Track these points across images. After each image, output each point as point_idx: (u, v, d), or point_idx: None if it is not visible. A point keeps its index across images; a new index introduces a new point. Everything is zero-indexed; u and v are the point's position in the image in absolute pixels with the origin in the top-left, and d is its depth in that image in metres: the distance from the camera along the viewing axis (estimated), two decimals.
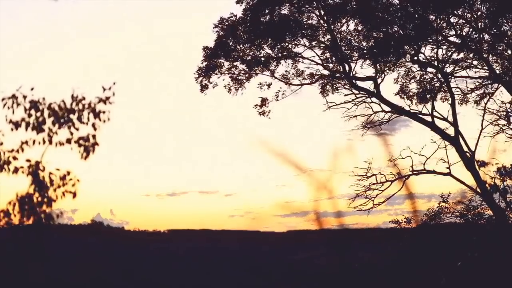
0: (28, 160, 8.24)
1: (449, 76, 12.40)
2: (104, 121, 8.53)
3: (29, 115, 8.24)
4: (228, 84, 13.66)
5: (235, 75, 13.45)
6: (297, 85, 13.33)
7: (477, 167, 11.57)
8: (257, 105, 13.31)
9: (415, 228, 6.97)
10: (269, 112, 13.31)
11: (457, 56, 12.36)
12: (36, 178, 8.23)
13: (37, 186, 8.20)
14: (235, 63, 13.48)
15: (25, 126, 8.18)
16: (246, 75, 13.55)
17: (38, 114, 8.29)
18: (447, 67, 12.57)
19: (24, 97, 8.21)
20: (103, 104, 8.52)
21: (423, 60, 12.66)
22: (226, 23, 13.09)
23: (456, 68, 12.59)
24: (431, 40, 11.99)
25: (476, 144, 12.00)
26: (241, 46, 13.34)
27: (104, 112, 8.46)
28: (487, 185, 8.16)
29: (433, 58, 12.61)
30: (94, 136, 8.41)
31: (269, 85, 12.86)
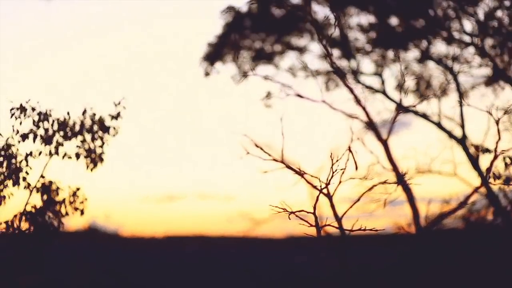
0: (42, 177, 8.12)
1: (457, 74, 12.25)
2: (114, 135, 8.43)
3: (38, 127, 8.10)
4: (234, 76, 13.55)
5: (240, 66, 13.36)
6: (303, 77, 13.15)
7: (482, 167, 11.46)
8: (263, 98, 13.13)
9: (417, 231, 6.67)
10: (273, 106, 13.11)
11: (463, 52, 12.21)
12: (48, 194, 8.13)
13: (48, 202, 8.11)
14: (240, 52, 13.37)
15: (33, 138, 8.04)
16: (252, 65, 13.43)
17: (47, 126, 8.17)
18: (455, 64, 12.42)
19: (33, 109, 8.09)
20: (114, 119, 8.43)
21: (432, 56, 12.50)
22: (233, 12, 12.95)
23: (462, 66, 12.44)
24: (440, 36, 11.84)
25: (483, 145, 11.82)
26: (247, 37, 13.25)
27: (114, 128, 8.37)
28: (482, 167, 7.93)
29: (440, 55, 12.46)
30: (101, 149, 8.30)
31: (273, 79, 12.65)
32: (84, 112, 8.30)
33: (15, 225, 7.99)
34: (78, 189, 8.29)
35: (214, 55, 13.56)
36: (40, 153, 8.17)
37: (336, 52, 13.63)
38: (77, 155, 8.22)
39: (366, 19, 13.07)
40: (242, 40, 13.45)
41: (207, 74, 13.69)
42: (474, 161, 11.81)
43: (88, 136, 8.29)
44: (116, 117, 8.35)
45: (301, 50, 13.77)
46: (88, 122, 8.36)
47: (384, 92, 13.24)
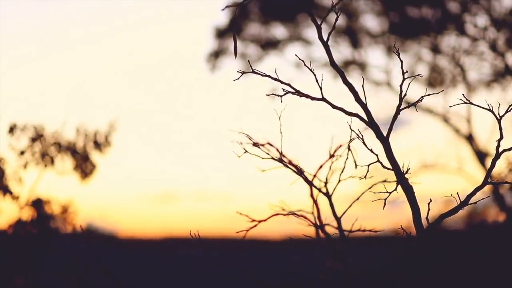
0: (33, 191, 8.15)
1: (466, 68, 12.12)
2: (106, 151, 8.49)
3: (33, 143, 8.15)
4: (236, 71, 13.50)
5: (245, 58, 13.30)
6: (304, 73, 13.06)
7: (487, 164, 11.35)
8: (262, 96, 13.09)
9: (418, 232, 6.58)
10: (272, 103, 13.03)
11: (473, 47, 12.08)
12: (39, 210, 8.15)
13: (39, 217, 8.12)
14: (245, 43, 13.30)
15: (31, 153, 8.09)
16: (257, 56, 13.37)
17: (42, 142, 8.21)
18: (464, 59, 12.29)
19: (32, 127, 8.13)
20: (106, 137, 8.52)
21: (440, 49, 12.38)
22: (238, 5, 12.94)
23: (472, 60, 12.31)
24: (450, 29, 11.72)
25: (486, 148, 11.73)
26: (252, 26, 13.20)
27: (107, 144, 8.43)
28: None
29: (450, 48, 12.33)
30: (93, 164, 8.36)
31: (272, 76, 12.72)
32: (77, 131, 8.45)
33: (10, 231, 8.00)
34: (69, 204, 8.38)
35: (218, 49, 13.52)
36: (35, 165, 8.25)
37: (339, 45, 13.55)
38: (72, 166, 8.32)
39: (374, 9, 12.95)
40: (246, 34, 13.41)
41: (212, 68, 13.63)
42: (480, 159, 11.71)
43: (79, 154, 8.43)
44: (107, 136, 8.51)
45: (311, 40, 13.69)
46: (80, 142, 8.50)
47: (389, 85, 13.14)
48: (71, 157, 8.49)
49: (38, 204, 8.29)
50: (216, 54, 13.63)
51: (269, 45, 13.49)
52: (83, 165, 8.47)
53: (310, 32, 13.48)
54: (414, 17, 12.52)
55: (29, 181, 8.28)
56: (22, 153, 8.24)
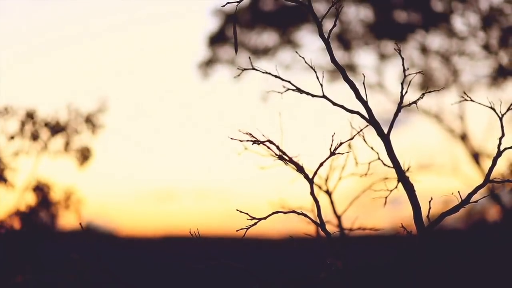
0: (33, 176, 8.10)
1: (460, 68, 12.15)
2: (99, 131, 8.43)
3: (23, 126, 8.11)
4: (232, 72, 13.47)
5: (237, 64, 13.30)
6: (303, 71, 13.08)
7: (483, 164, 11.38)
8: (262, 93, 13.08)
9: (418, 230, 6.56)
10: (271, 101, 13.05)
11: (466, 47, 12.10)
12: (41, 195, 8.09)
13: (41, 203, 8.07)
14: (238, 48, 13.32)
15: (21, 137, 8.04)
16: (251, 59, 13.40)
17: (32, 125, 8.16)
18: (458, 59, 12.32)
19: (21, 110, 8.09)
20: (98, 115, 8.46)
21: (434, 50, 12.39)
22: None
23: (465, 60, 12.34)
24: (438, 29, 11.76)
25: (484, 147, 11.74)
26: (244, 32, 13.19)
27: (99, 124, 8.38)
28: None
29: (444, 49, 12.35)
30: (88, 148, 8.31)
31: (272, 73, 12.73)
32: (67, 108, 8.38)
33: (8, 225, 7.95)
34: (73, 190, 8.29)
35: (211, 56, 13.52)
36: (28, 151, 8.19)
37: (337, 46, 13.55)
38: (66, 148, 8.24)
39: (368, 11, 12.99)
40: (240, 35, 13.40)
41: (205, 75, 13.63)
42: (475, 158, 11.73)
43: (72, 132, 8.37)
44: (97, 116, 8.43)
45: (301, 44, 13.72)
46: (72, 119, 8.42)
47: (385, 87, 13.17)
48: (64, 138, 8.41)
49: (40, 189, 8.24)
50: (208, 62, 13.65)
51: (259, 50, 13.51)
52: (78, 148, 8.39)
53: (299, 37, 13.51)
54: (405, 19, 12.55)
55: (25, 169, 8.22)
56: (12, 137, 8.18)
